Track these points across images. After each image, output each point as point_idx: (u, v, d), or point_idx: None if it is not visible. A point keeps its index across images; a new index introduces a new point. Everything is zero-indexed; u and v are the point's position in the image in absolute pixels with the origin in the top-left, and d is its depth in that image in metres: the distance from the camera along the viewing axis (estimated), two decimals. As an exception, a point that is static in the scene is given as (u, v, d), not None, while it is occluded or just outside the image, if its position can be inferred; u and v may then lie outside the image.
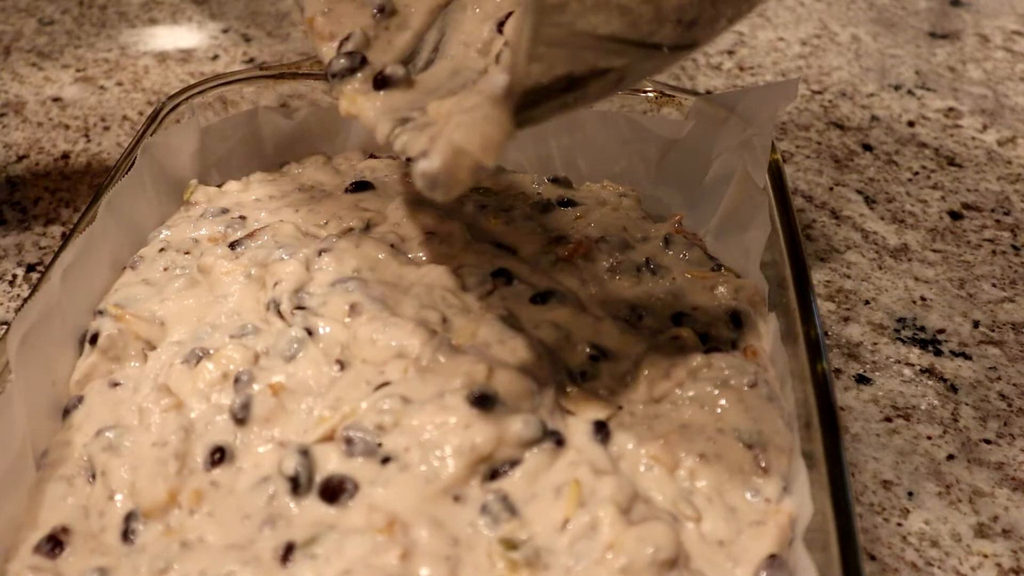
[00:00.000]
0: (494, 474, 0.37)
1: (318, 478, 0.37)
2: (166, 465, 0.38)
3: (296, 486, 0.37)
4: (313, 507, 0.37)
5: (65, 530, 0.37)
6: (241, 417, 0.39)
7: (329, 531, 0.36)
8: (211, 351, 0.42)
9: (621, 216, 0.52)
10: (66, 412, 0.42)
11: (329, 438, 0.38)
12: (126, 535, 0.37)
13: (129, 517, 0.37)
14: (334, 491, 0.37)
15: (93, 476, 0.39)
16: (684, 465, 0.38)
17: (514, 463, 0.37)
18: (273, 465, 0.38)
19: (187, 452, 0.39)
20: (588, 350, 0.43)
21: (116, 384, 0.43)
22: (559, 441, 0.38)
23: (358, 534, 0.35)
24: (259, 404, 0.39)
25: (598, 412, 0.40)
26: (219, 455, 0.38)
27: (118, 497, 0.38)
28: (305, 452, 0.38)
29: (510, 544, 0.35)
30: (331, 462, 0.37)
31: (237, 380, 0.41)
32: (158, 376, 0.42)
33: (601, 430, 0.39)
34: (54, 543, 0.36)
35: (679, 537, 0.36)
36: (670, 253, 0.49)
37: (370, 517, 0.35)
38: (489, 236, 0.50)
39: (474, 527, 0.36)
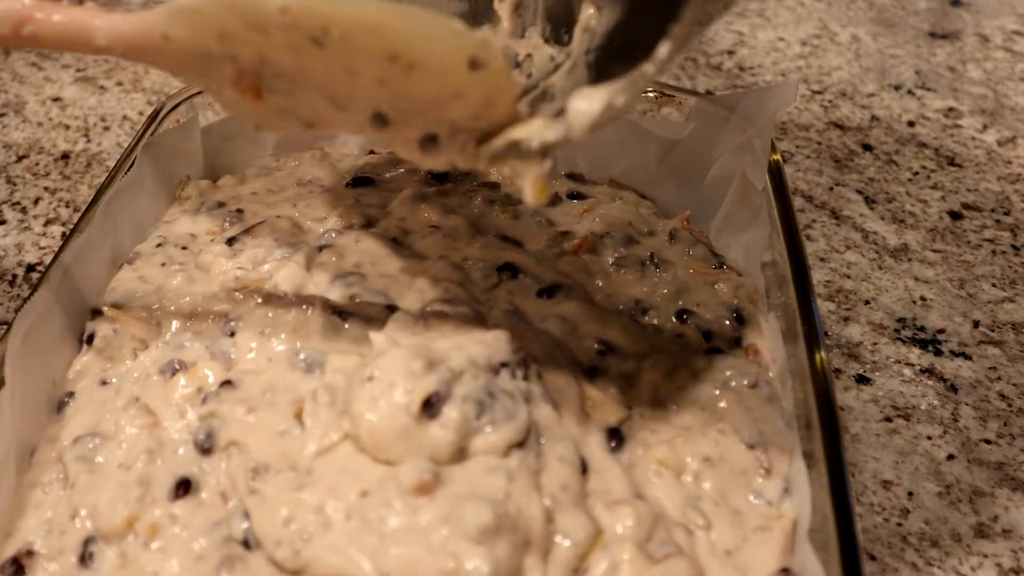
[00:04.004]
0: None
1: None
2: (128, 490, 0.36)
3: (248, 546, 0.35)
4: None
5: (29, 553, 0.36)
6: (207, 447, 0.38)
7: None
8: (187, 364, 0.41)
9: (628, 211, 0.52)
10: (60, 407, 0.42)
11: None
12: (83, 559, 0.35)
13: (88, 541, 0.36)
14: None
15: (67, 484, 0.38)
16: (690, 469, 0.38)
17: None
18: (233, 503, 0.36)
19: (151, 478, 0.37)
20: (595, 345, 0.43)
21: (105, 383, 0.42)
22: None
23: None
24: (224, 434, 0.38)
25: (611, 415, 0.40)
26: (183, 489, 0.36)
27: (82, 512, 0.36)
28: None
29: None
30: None
31: (205, 400, 0.39)
32: (136, 381, 0.41)
33: (615, 437, 0.39)
34: (16, 567, 0.35)
35: (695, 553, 0.35)
36: (675, 249, 0.50)
37: None
38: (495, 230, 0.50)
39: None
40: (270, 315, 0.42)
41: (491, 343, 0.38)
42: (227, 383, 0.39)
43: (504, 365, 0.38)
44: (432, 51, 0.32)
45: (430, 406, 0.35)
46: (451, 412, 0.35)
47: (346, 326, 0.42)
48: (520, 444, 0.36)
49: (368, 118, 0.34)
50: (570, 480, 0.35)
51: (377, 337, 0.39)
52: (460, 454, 0.35)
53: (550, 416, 0.38)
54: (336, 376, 0.38)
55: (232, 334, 0.42)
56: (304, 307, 0.42)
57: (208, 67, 0.35)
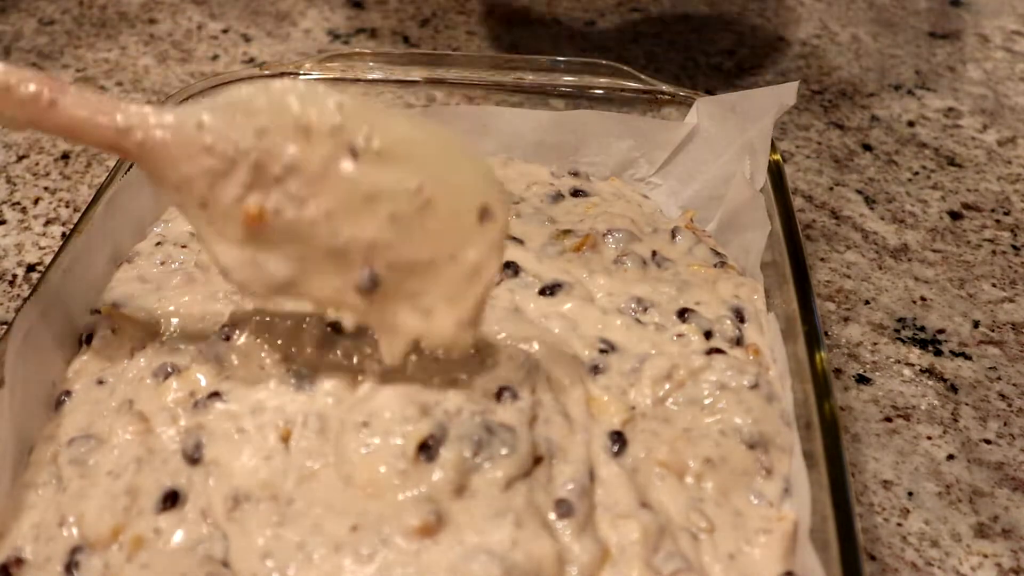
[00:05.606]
0: None
1: None
2: (116, 500, 0.36)
3: (228, 566, 0.34)
4: None
5: (19, 561, 0.36)
6: (195, 458, 0.37)
7: None
8: (180, 367, 0.41)
9: (632, 209, 0.52)
10: (57, 405, 0.42)
11: None
12: (69, 568, 0.35)
13: (75, 550, 0.35)
14: None
15: (60, 488, 0.38)
16: (692, 471, 0.38)
17: None
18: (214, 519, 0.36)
19: (139, 488, 0.36)
20: (597, 343, 0.43)
21: (102, 382, 0.42)
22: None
23: None
24: (211, 447, 0.37)
25: (614, 416, 0.40)
26: (170, 502, 0.36)
27: (70, 519, 0.36)
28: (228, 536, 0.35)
29: None
30: None
31: (196, 406, 0.39)
32: (130, 383, 0.41)
33: (618, 440, 0.39)
34: (5, 575, 0.35)
35: (700, 561, 0.35)
36: (676, 247, 0.50)
37: None
38: None
39: None
40: (267, 320, 0.42)
41: (489, 369, 0.38)
42: (216, 394, 0.39)
43: (505, 389, 0.38)
44: (454, 186, 0.33)
45: (426, 449, 0.35)
46: (447, 454, 0.35)
47: (341, 338, 0.41)
48: (526, 474, 0.35)
49: (358, 276, 0.34)
50: (579, 505, 0.35)
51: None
52: (460, 491, 0.35)
53: (561, 429, 0.38)
54: (327, 400, 0.38)
55: (228, 338, 0.42)
56: (301, 316, 0.42)
57: (220, 175, 0.33)
